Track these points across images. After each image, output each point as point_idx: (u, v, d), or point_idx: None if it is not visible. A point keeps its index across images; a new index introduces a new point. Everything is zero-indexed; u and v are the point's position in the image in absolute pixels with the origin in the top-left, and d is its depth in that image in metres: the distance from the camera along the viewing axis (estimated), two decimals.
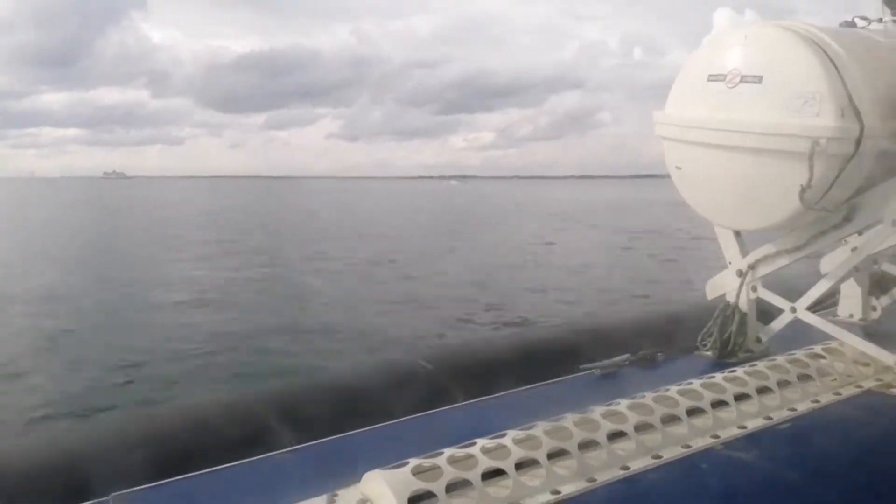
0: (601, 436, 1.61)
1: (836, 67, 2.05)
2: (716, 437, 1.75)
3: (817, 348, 2.28)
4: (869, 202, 2.21)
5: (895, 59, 2.24)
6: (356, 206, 71.70)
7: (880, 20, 2.56)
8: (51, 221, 44.71)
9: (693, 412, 1.79)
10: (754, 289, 2.53)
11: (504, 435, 1.54)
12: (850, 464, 1.76)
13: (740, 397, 1.90)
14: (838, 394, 2.08)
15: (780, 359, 2.15)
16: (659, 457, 1.64)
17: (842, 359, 2.26)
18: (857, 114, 2.03)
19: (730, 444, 1.74)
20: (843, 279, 2.58)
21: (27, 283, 17.67)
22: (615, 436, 1.64)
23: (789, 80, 2.11)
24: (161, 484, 1.55)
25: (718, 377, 1.95)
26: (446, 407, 2.08)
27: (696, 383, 1.90)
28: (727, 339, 2.53)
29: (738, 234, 2.55)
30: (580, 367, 2.34)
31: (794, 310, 2.44)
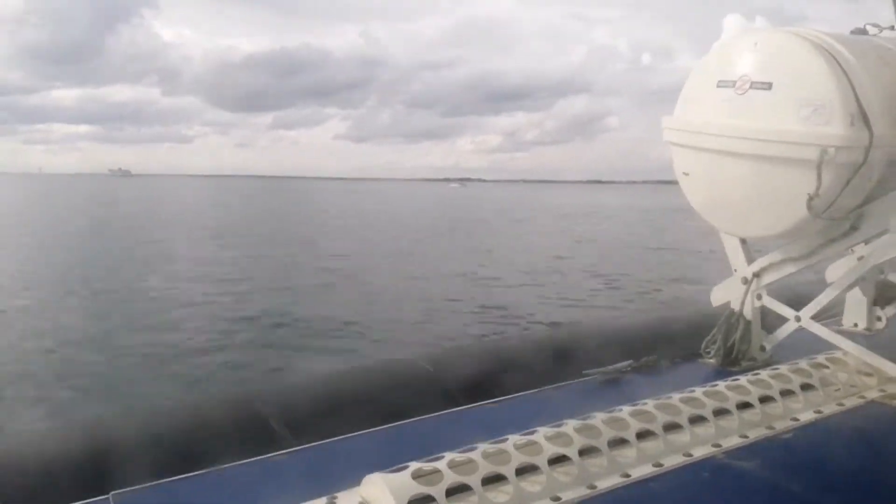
0: (602, 442, 1.60)
1: (847, 75, 2.03)
2: (717, 445, 1.74)
3: (821, 357, 2.27)
4: (877, 211, 2.19)
5: None
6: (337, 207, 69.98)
7: (892, 28, 2.54)
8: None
9: (695, 420, 1.79)
10: (759, 297, 2.51)
11: (505, 440, 1.53)
12: (852, 474, 1.75)
13: (743, 406, 1.89)
14: (841, 404, 2.07)
15: (784, 368, 2.14)
16: (660, 465, 1.63)
17: (845, 369, 2.24)
18: (867, 122, 2.01)
19: (731, 453, 1.73)
20: (848, 288, 2.56)
21: None
22: (616, 443, 1.63)
23: (799, 88, 2.09)
24: (161, 483, 1.54)
25: (721, 385, 1.95)
26: (447, 410, 2.07)
27: (698, 391, 1.89)
28: (731, 346, 2.51)
29: (744, 241, 2.53)
30: (582, 372, 2.33)
31: (798, 318, 2.43)
